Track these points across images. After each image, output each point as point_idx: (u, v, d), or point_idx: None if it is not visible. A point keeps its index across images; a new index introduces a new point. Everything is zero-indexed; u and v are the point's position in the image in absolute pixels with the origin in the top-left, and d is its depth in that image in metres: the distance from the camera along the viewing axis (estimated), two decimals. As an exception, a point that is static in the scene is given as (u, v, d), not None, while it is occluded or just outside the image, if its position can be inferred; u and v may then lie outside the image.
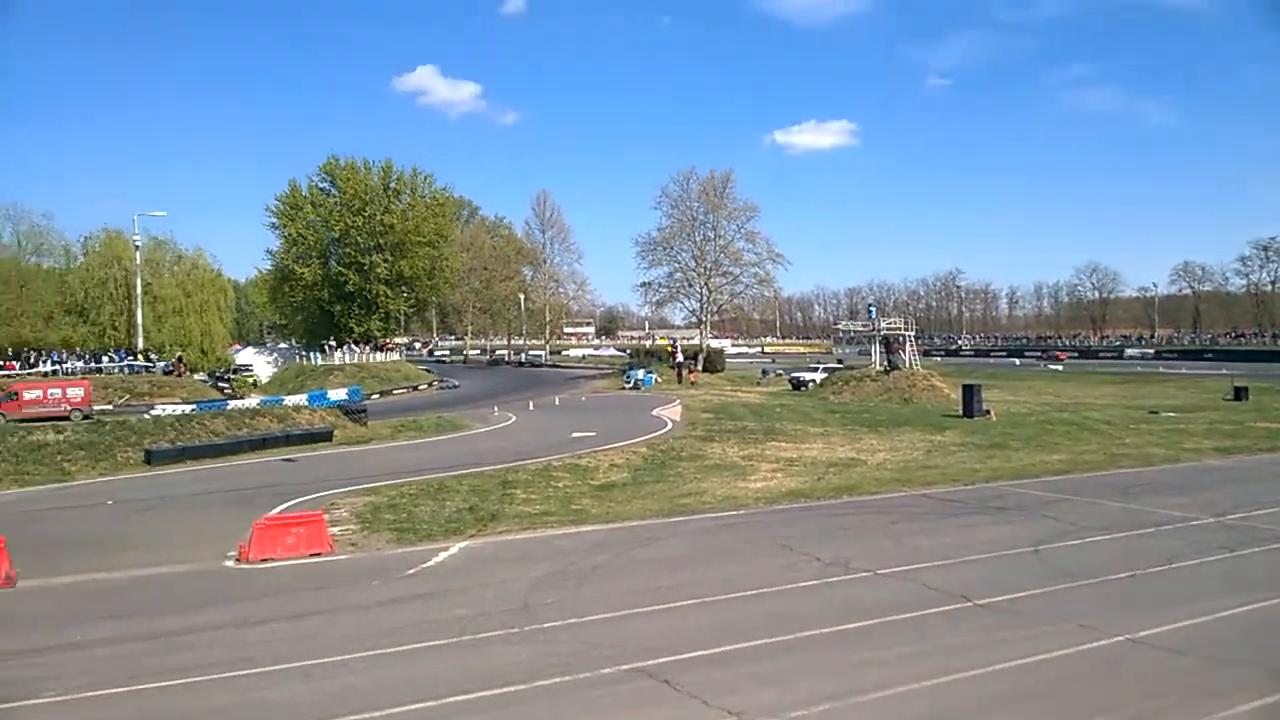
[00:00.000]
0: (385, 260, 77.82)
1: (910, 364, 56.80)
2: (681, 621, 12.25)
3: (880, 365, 57.55)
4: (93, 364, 55.19)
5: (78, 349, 60.19)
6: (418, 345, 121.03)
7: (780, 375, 73.43)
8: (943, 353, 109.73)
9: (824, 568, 15.02)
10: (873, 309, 70.34)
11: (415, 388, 70.13)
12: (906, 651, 10.77)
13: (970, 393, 42.46)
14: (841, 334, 76.58)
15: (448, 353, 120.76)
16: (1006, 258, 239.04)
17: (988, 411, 41.20)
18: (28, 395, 41.62)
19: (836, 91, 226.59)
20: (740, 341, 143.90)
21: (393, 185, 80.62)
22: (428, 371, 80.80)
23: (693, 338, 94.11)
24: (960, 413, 41.92)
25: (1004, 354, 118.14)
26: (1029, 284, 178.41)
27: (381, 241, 78.02)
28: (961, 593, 13.09)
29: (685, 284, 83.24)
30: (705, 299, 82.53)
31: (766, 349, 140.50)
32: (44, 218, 79.12)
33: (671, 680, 9.77)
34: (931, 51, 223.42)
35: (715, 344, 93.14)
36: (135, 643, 12.06)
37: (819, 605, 12.95)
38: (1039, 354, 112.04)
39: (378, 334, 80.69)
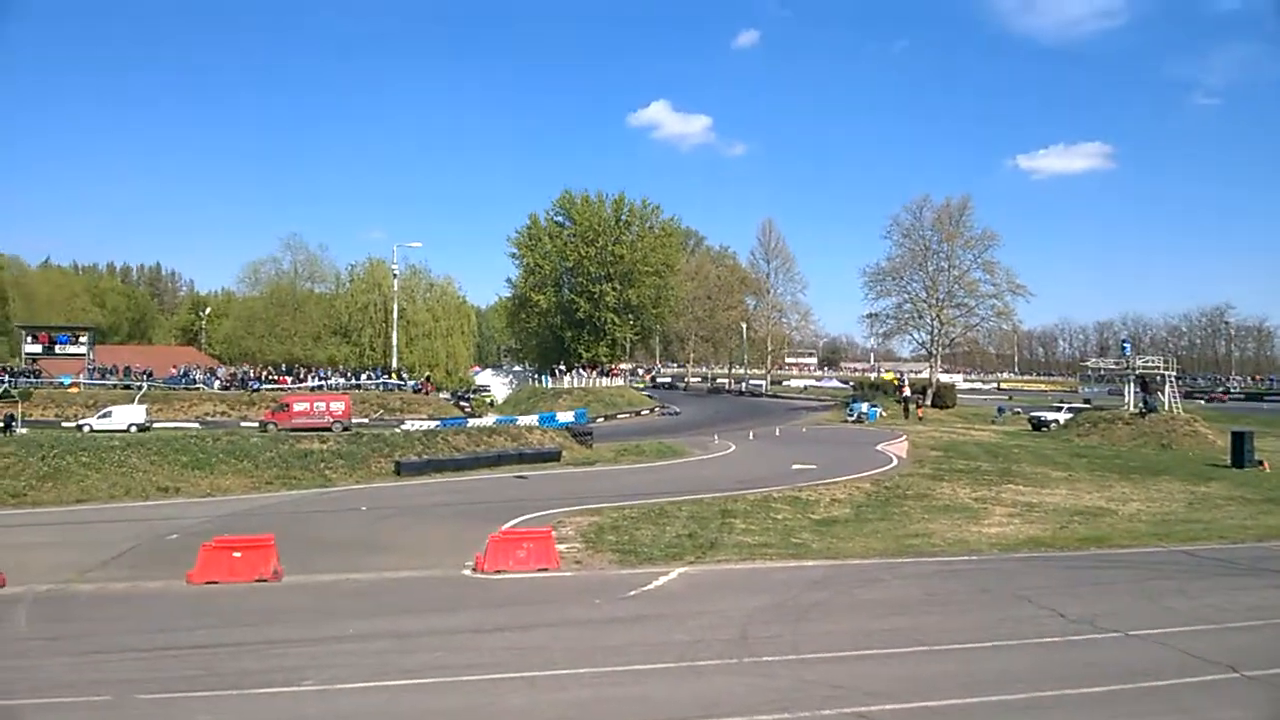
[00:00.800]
0: (614, 289, 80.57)
1: (1170, 406, 51.87)
2: (907, 669, 11.73)
3: (1135, 407, 52.91)
4: (353, 381, 60.71)
5: (340, 366, 66.33)
6: (640, 371, 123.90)
7: (1018, 414, 69.22)
8: (1207, 395, 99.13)
9: (1067, 624, 13.90)
10: (1127, 345, 65.01)
11: (638, 413, 71.86)
12: (1161, 723, 9.80)
13: (1241, 440, 38.17)
14: (1090, 371, 71.21)
15: (669, 379, 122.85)
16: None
17: (1261, 463, 36.85)
18: (297, 407, 46.40)
19: (1089, 112, 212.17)
20: (973, 377, 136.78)
21: (624, 217, 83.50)
22: (650, 397, 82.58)
23: (921, 371, 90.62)
24: (1228, 462, 37.77)
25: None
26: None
27: (611, 271, 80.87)
28: (1227, 662, 11.73)
29: (915, 315, 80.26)
30: (936, 331, 79.18)
31: (1002, 385, 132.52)
32: (319, 248, 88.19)
33: (896, 729, 9.39)
34: (1197, 68, 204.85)
35: (945, 379, 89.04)
36: (383, 640, 13.08)
37: (1060, 665, 12.00)
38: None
39: (604, 360, 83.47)
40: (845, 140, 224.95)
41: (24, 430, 39.31)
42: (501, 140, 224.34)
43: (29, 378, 53.94)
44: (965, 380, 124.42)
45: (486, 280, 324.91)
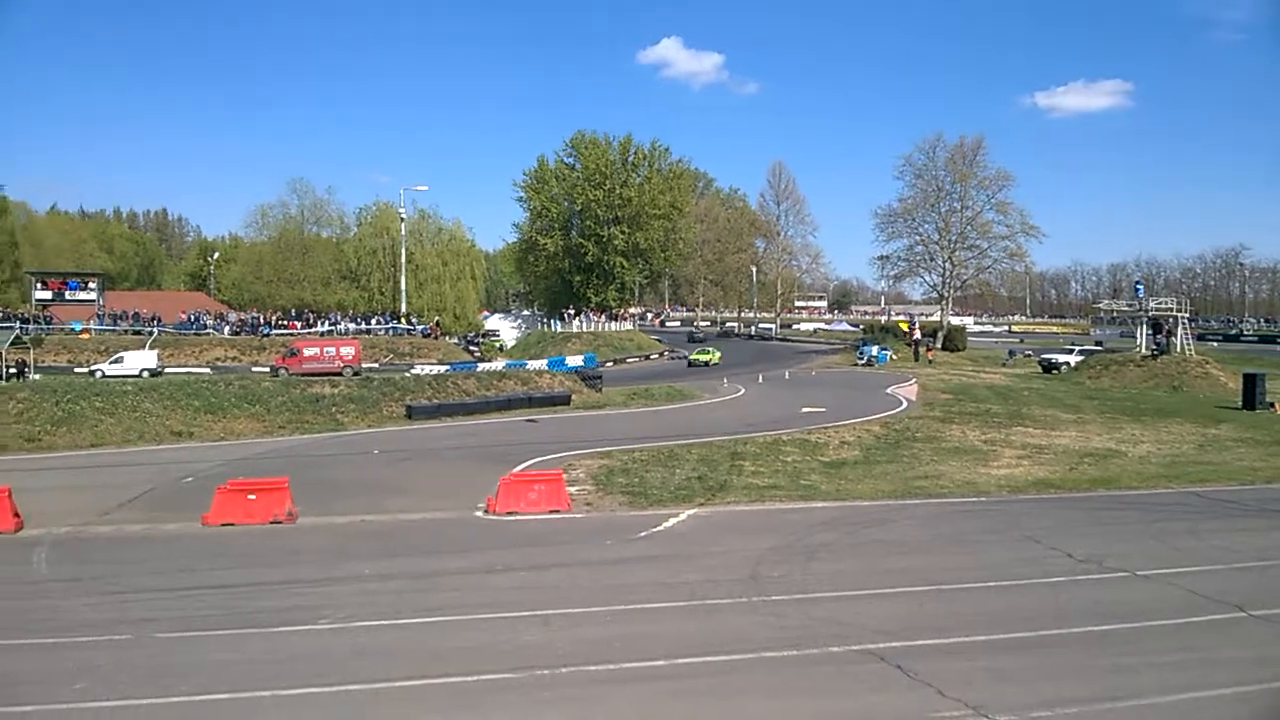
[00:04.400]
0: (622, 232, 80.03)
1: (1182, 348, 51.56)
2: (915, 607, 11.87)
3: (1146, 349, 52.64)
4: (362, 325, 60.84)
5: (350, 311, 66.42)
6: (649, 315, 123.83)
7: (1029, 356, 68.97)
8: (1220, 337, 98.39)
9: (1075, 564, 14.01)
10: (1140, 287, 64.40)
11: (647, 357, 71.93)
12: (1166, 660, 9.89)
13: (1252, 382, 37.98)
14: (1102, 314, 70.84)
15: (678, 323, 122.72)
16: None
17: (1272, 405, 36.74)
18: (307, 352, 46.65)
19: (1110, 49, 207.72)
20: (984, 319, 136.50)
21: (631, 159, 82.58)
22: (659, 341, 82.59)
23: (932, 314, 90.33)
24: (1239, 404, 37.64)
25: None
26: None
27: (619, 214, 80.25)
28: (1234, 601, 11.81)
29: (926, 257, 79.65)
30: (948, 273, 78.60)
31: (1014, 328, 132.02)
32: (326, 192, 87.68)
33: (904, 666, 9.50)
34: (1219, 3, 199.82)
35: (956, 321, 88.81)
36: (399, 580, 13.27)
37: (1067, 603, 12.12)
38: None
39: (613, 304, 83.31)
40: (859, 79, 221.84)
41: (37, 376, 39.60)
42: (508, 81, 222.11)
43: (40, 324, 54.17)
44: (976, 323, 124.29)
45: (495, 224, 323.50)
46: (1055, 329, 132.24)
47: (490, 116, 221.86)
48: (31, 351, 44.72)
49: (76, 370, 44.77)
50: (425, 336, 60.81)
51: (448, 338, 65.26)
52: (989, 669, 9.55)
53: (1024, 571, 13.66)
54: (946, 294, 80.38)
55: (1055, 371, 56.82)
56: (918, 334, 72.08)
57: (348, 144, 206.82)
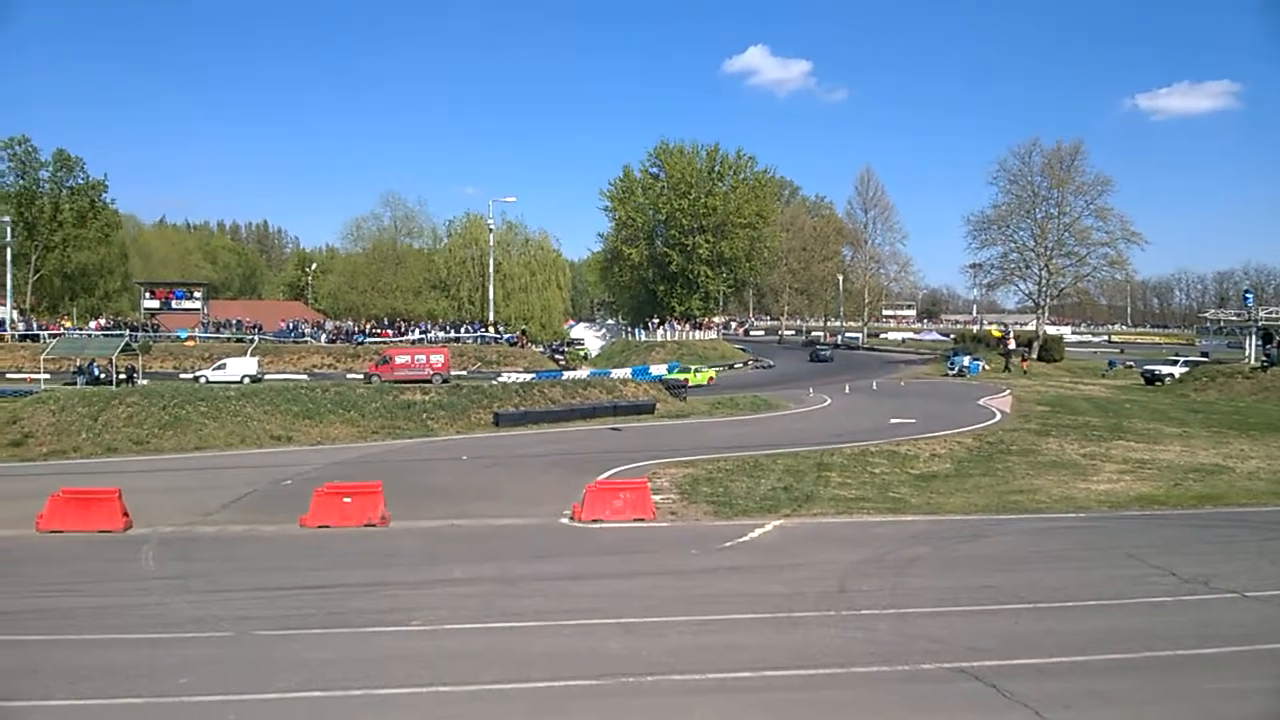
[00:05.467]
0: (707, 241, 79.90)
1: (1295, 360, 48.94)
2: (1010, 625, 11.50)
3: (1256, 360, 50.13)
4: (452, 334, 62.08)
5: (440, 320, 67.81)
6: (733, 325, 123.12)
7: (1130, 367, 66.40)
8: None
9: (1179, 584, 13.39)
10: (1249, 295, 61.32)
11: (731, 366, 71.51)
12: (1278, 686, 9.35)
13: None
14: (1208, 323, 67.56)
15: (763, 333, 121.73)
16: None
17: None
18: (398, 360, 47.77)
19: (1217, 49, 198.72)
20: (1082, 329, 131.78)
21: (717, 168, 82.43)
22: (743, 351, 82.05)
23: (1027, 323, 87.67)
24: (1360, 420, 35.52)
25: None
26: None
27: (704, 223, 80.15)
28: (1360, 630, 11.11)
29: (1021, 265, 77.21)
30: (1044, 282, 76.09)
31: (1114, 338, 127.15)
32: (418, 204, 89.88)
33: (1000, 686, 9.20)
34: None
35: (1053, 331, 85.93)
36: (487, 584, 13.46)
37: (1171, 625, 11.58)
38: None
39: (697, 313, 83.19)
40: (951, 83, 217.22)
41: (145, 381, 41.52)
42: (594, 93, 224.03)
43: (148, 332, 56.79)
44: (1074, 333, 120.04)
45: (581, 234, 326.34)
46: (1158, 339, 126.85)
47: (576, 128, 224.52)
48: (140, 358, 46.95)
49: (182, 376, 46.74)
50: (512, 345, 61.68)
51: (534, 346, 66.05)
52: (1089, 690, 9.19)
53: (1125, 590, 13.11)
54: (1043, 302, 77.81)
55: (1158, 383, 54.52)
56: (1012, 344, 70.04)
57: (438, 157, 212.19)
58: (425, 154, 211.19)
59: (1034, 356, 70.03)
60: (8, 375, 46.20)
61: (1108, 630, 11.31)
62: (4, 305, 61.32)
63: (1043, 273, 75.72)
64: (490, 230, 68.43)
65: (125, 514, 17.35)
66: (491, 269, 67.14)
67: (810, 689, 9.31)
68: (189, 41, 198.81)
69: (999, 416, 37.14)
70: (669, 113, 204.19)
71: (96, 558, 15.29)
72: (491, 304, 66.27)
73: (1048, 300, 78.06)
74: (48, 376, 40.41)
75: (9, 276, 60.65)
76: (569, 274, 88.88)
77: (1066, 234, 74.61)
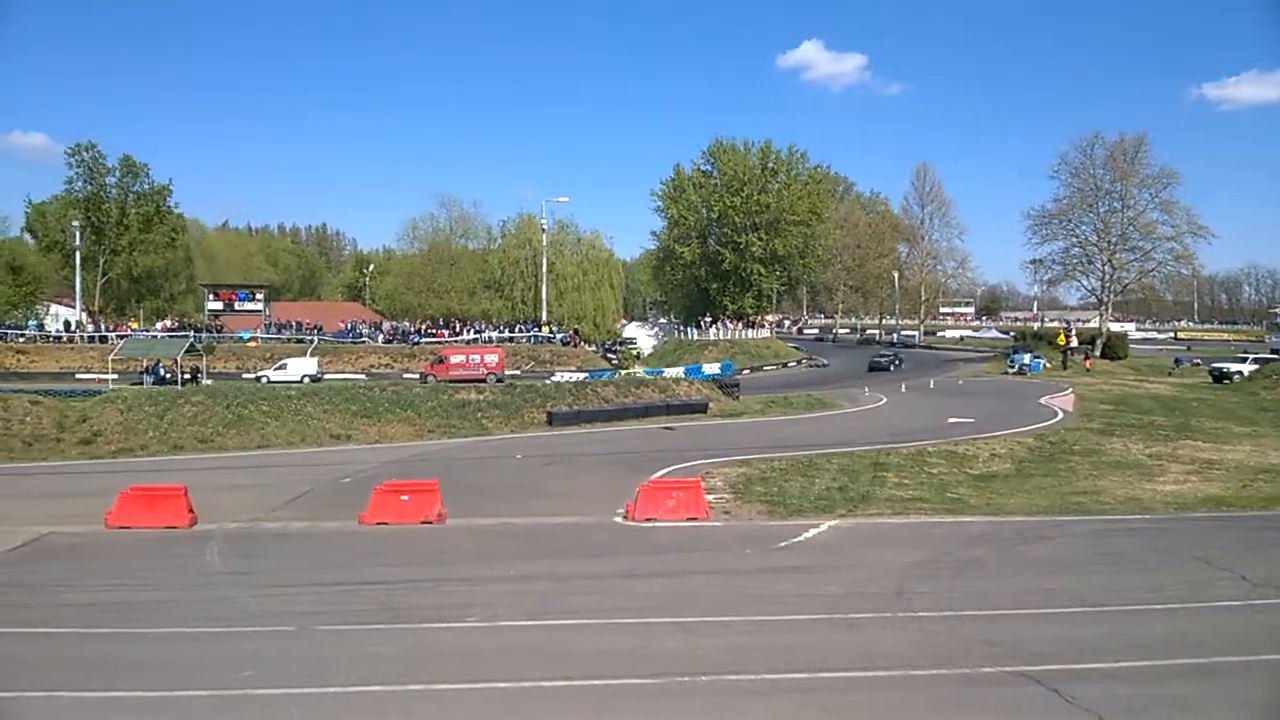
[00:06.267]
0: (760, 239, 79.40)
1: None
2: (1073, 629, 11.23)
3: (1331, 357, 48.37)
4: (506, 334, 62.63)
5: (494, 320, 68.47)
6: (787, 323, 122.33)
7: (1197, 365, 64.58)
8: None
9: (1250, 588, 12.94)
10: (1323, 290, 59.23)
11: (784, 365, 71.05)
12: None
13: None
14: (1278, 319, 65.19)
15: (816, 331, 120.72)
16: None
17: None
18: (454, 360, 48.37)
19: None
20: (1147, 325, 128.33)
21: (770, 165, 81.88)
22: (797, 349, 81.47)
23: (1089, 320, 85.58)
24: None
25: None
26: None
27: (757, 221, 79.64)
28: None
29: (1084, 260, 75.30)
30: (1107, 277, 74.17)
31: (1180, 335, 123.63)
32: (473, 205, 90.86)
33: (1062, 690, 8.97)
34: None
35: (1116, 328, 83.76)
36: (542, 581, 13.55)
37: (1241, 629, 11.19)
38: None
39: (750, 311, 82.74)
40: (1010, 75, 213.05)
41: (209, 381, 42.59)
42: (648, 91, 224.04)
43: (212, 333, 58.23)
44: (1139, 329, 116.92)
45: (633, 233, 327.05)
46: (1226, 336, 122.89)
47: (630, 126, 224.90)
48: (204, 358, 48.18)
49: (244, 376, 47.87)
50: (565, 344, 62.04)
51: (586, 345, 66.36)
52: (1155, 696, 8.94)
53: (1193, 594, 12.70)
54: (1106, 299, 75.86)
55: (1227, 381, 52.90)
56: (1074, 341, 68.50)
57: (493, 158, 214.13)
58: (482, 155, 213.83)
59: (1097, 354, 68.44)
60: (77, 375, 47.79)
61: (1175, 635, 10.99)
62: (73, 307, 63.43)
63: (1106, 268, 73.86)
64: (543, 230, 68.94)
65: (191, 510, 17.82)
66: (545, 269, 67.62)
67: (868, 690, 9.20)
68: (252, 50, 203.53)
69: (1061, 415, 36.37)
70: (722, 109, 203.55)
71: (163, 553, 15.71)
72: (545, 303, 66.72)
73: (1111, 296, 76.07)
74: (116, 377, 41.67)
75: (78, 280, 62.68)
76: (621, 273, 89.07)
77: (1130, 228, 72.67)
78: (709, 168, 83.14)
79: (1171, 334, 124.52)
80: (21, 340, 55.34)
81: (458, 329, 63.81)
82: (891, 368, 65.46)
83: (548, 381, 41.62)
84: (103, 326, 58.98)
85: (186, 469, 24.36)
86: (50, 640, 10.99)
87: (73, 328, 58.18)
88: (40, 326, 58.79)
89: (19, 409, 29.67)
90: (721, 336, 75.74)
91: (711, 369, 55.82)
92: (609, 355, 66.22)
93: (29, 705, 8.88)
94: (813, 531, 17.21)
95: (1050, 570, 14.30)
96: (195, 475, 21.49)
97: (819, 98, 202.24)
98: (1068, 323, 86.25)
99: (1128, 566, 14.72)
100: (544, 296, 66.99)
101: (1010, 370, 61.51)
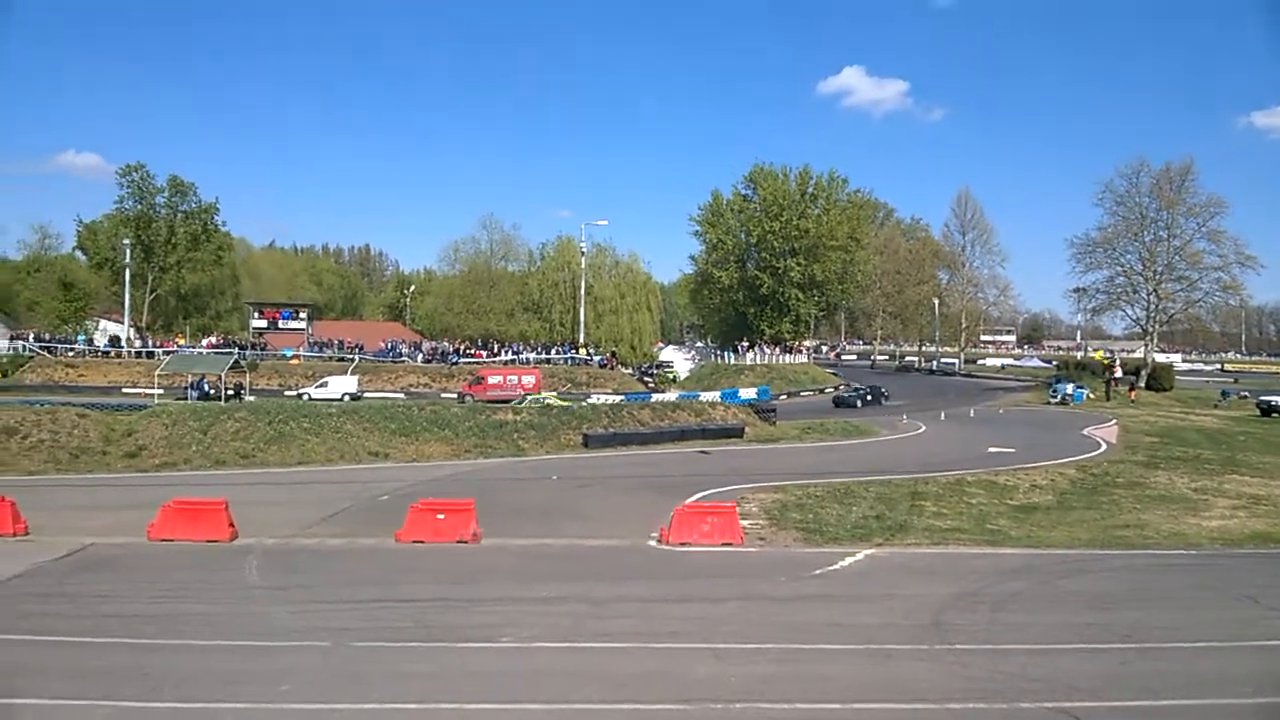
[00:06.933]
0: (798, 264, 79.23)
1: None
2: (1116, 665, 11.01)
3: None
4: (543, 355, 63.00)
5: (531, 341, 68.92)
6: (824, 348, 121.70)
7: (1245, 397, 63.17)
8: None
9: (1299, 628, 12.63)
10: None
11: (822, 390, 70.60)
12: None
13: None
14: (1330, 352, 63.59)
15: (854, 357, 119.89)
16: None
17: None
18: (491, 380, 48.73)
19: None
20: (1193, 356, 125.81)
21: (809, 190, 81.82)
22: (834, 375, 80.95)
23: (1134, 350, 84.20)
24: None
25: None
26: None
27: (796, 246, 79.51)
28: None
29: (1129, 290, 74.29)
30: (1153, 307, 73.06)
31: (1227, 366, 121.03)
32: (513, 228, 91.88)
33: (1103, 728, 8.82)
34: None
35: (1162, 358, 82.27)
36: (575, 603, 13.56)
37: (1291, 671, 10.92)
38: None
39: (788, 336, 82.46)
40: (1053, 101, 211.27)
41: (251, 397, 43.24)
42: (688, 115, 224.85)
43: (256, 350, 59.22)
44: (1184, 360, 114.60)
45: (671, 257, 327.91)
46: (1274, 368, 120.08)
47: (670, 151, 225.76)
48: (248, 375, 48.93)
49: (286, 393, 48.53)
50: (602, 367, 62.21)
51: (623, 368, 66.49)
52: (1203, 739, 8.73)
53: (1240, 633, 12.42)
54: (1151, 329, 74.66)
55: (1275, 415, 51.71)
56: (1119, 371, 67.36)
57: (533, 181, 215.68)
58: (522, 178, 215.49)
59: (1142, 385, 67.26)
60: (124, 390, 48.79)
61: (1220, 673, 10.74)
62: (122, 323, 64.87)
63: (1151, 298, 72.79)
64: (583, 253, 69.43)
65: (231, 525, 18.07)
66: (583, 291, 67.98)
67: (902, 723, 9.09)
68: (301, 78, 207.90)
69: (1104, 447, 35.78)
70: (762, 135, 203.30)
71: (204, 566, 15.92)
72: (583, 326, 67.02)
73: (1156, 326, 74.91)
74: (161, 392, 42.43)
75: (127, 296, 64.14)
76: (659, 296, 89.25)
77: (1176, 257, 71.61)
78: (748, 192, 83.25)
79: (1218, 365, 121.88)
80: (71, 355, 56.74)
81: (496, 350, 64.30)
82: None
83: (584, 403, 41.73)
84: (150, 342, 60.27)
85: (228, 483, 24.73)
86: (92, 650, 11.18)
87: (121, 343, 59.51)
88: (90, 341, 60.15)
89: (67, 421, 30.34)
90: (758, 361, 75.47)
91: (748, 394, 55.61)
92: (645, 379, 66.25)
93: (71, 713, 9.05)
94: (849, 560, 17.05)
95: (1092, 605, 14.02)
96: (236, 490, 21.81)
97: (860, 124, 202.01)
98: (1111, 352, 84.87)
99: (1171, 603, 14.43)
100: (582, 319, 67.31)
101: (1053, 400, 60.64)
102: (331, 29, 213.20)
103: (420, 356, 62.25)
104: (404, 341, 70.02)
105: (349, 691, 9.61)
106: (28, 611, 12.73)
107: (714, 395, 51.00)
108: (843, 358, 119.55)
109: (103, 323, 73.59)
